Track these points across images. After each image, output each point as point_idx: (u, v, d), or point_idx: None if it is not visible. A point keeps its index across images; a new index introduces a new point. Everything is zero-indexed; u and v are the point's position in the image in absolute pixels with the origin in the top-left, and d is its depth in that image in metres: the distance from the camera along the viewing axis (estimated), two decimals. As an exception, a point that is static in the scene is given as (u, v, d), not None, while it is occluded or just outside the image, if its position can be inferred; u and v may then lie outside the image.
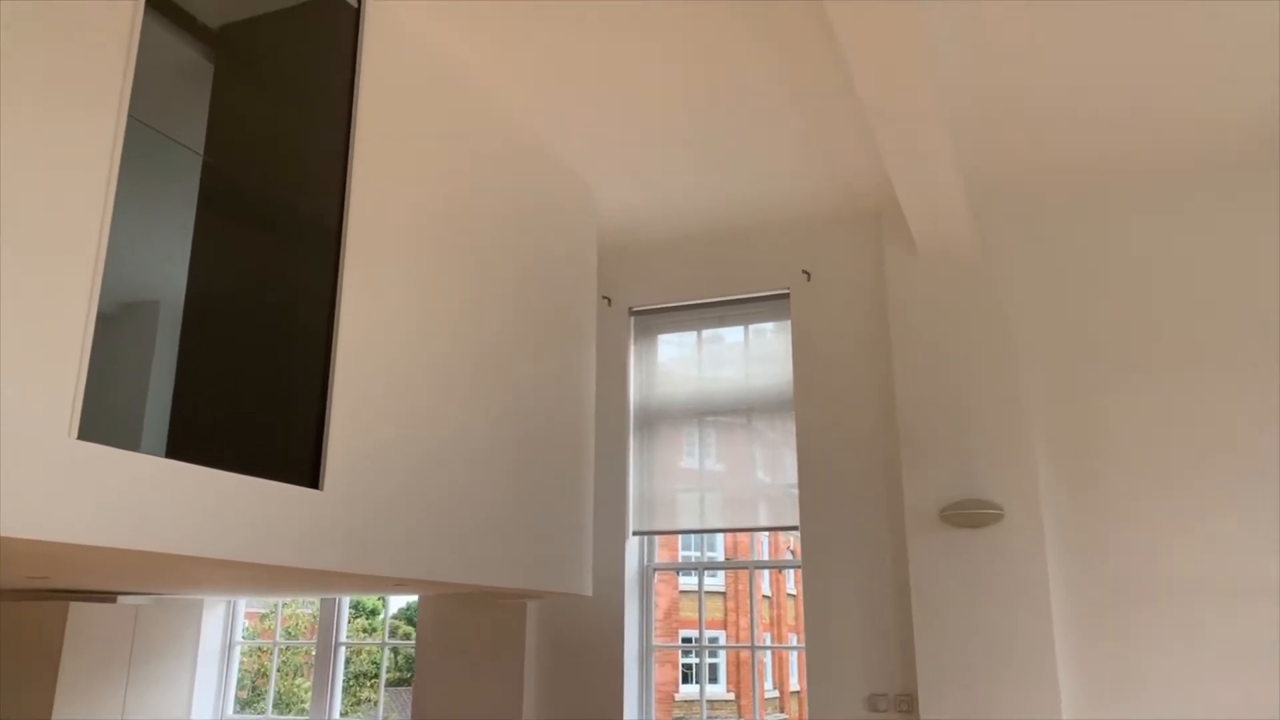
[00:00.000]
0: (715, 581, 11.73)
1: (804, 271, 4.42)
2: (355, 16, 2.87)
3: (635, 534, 4.47)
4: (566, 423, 3.82)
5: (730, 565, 11.17)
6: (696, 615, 4.63)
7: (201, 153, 2.55)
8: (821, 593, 4.05)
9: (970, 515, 3.69)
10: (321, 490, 2.50)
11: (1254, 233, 3.76)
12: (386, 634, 5.09)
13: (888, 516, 4.02)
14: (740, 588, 11.61)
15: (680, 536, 5.70)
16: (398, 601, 6.51)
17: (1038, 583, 3.62)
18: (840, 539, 4.07)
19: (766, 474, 4.37)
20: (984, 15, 2.97)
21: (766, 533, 6.26)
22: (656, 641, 4.43)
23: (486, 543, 3.23)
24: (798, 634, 4.08)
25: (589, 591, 3.85)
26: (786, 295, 4.46)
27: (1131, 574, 3.64)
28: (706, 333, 4.68)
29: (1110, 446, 3.77)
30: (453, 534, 3.05)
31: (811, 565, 4.10)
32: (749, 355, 4.57)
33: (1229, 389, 3.67)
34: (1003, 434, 3.81)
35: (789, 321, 4.43)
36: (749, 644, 4.42)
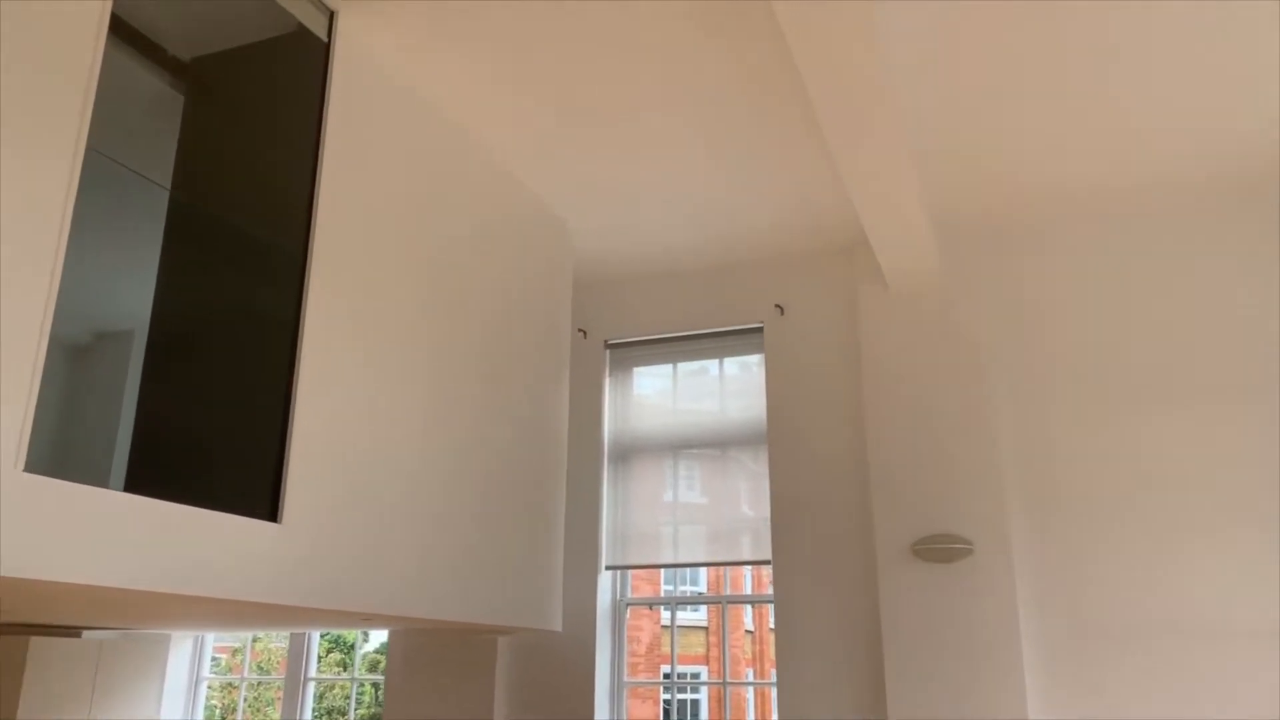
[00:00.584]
0: (698, 616, 11.65)
1: (777, 306, 4.44)
2: (325, 50, 2.89)
3: (608, 568, 4.44)
4: (538, 455, 3.81)
5: (703, 600, 11.09)
6: (678, 650, 4.59)
7: (169, 184, 2.56)
8: (794, 627, 4.03)
9: (941, 550, 3.68)
10: (280, 524, 2.48)
11: (1222, 268, 3.80)
12: (357, 669, 5.03)
13: (860, 551, 4.01)
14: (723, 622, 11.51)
15: (663, 571, 5.66)
16: (380, 636, 6.44)
17: (1007, 619, 3.61)
18: (813, 573, 4.06)
19: (750, 507, 4.36)
20: (951, 51, 3.01)
21: (749, 566, 6.24)
22: (630, 678, 4.39)
23: (454, 577, 3.20)
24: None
25: (559, 627, 3.82)
26: (761, 329, 4.48)
27: (1101, 611, 3.63)
28: (682, 366, 4.69)
29: (1081, 482, 3.77)
30: (418, 568, 3.02)
31: (784, 599, 4.07)
32: (725, 389, 4.58)
33: (1203, 425, 3.68)
34: (973, 469, 3.81)
35: (763, 355, 4.43)
36: (721, 680, 4.38)
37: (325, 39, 2.89)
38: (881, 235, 3.57)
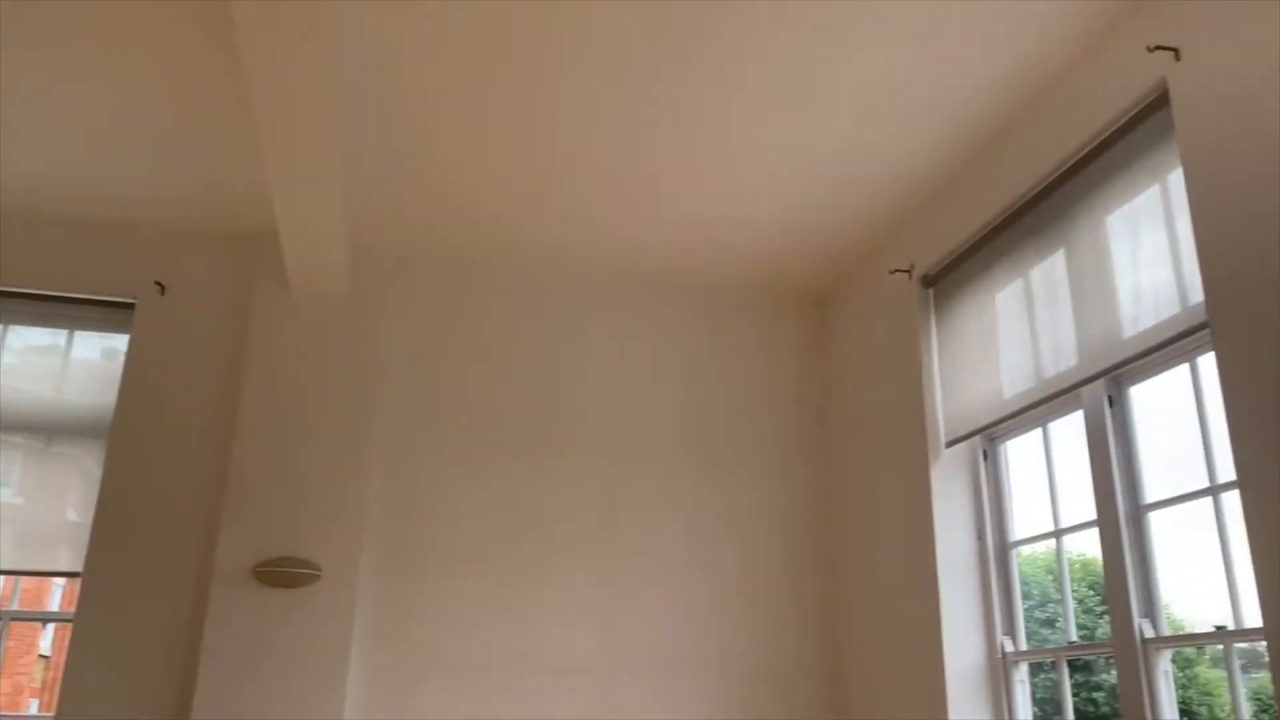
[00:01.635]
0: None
1: (158, 283, 3.89)
2: None
3: None
4: None
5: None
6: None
7: None
8: (92, 652, 3.44)
9: (284, 574, 3.45)
10: None
11: (619, 348, 4.23)
12: None
13: (196, 570, 3.59)
14: (12, 645, 9.69)
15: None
16: None
17: (339, 650, 3.48)
18: (131, 591, 3.52)
19: (79, 513, 3.65)
20: (403, 81, 2.92)
21: (62, 582, 5.29)
22: None
23: None
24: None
25: None
26: (132, 306, 3.87)
27: (436, 647, 3.70)
28: (16, 331, 3.84)
29: (441, 523, 3.86)
30: None
31: (88, 619, 3.47)
32: (70, 369, 3.84)
33: (553, 484, 4.00)
34: (338, 495, 3.66)
35: (129, 336, 3.82)
36: (-20, 715, 3.57)
37: None
38: (295, 233, 3.33)
